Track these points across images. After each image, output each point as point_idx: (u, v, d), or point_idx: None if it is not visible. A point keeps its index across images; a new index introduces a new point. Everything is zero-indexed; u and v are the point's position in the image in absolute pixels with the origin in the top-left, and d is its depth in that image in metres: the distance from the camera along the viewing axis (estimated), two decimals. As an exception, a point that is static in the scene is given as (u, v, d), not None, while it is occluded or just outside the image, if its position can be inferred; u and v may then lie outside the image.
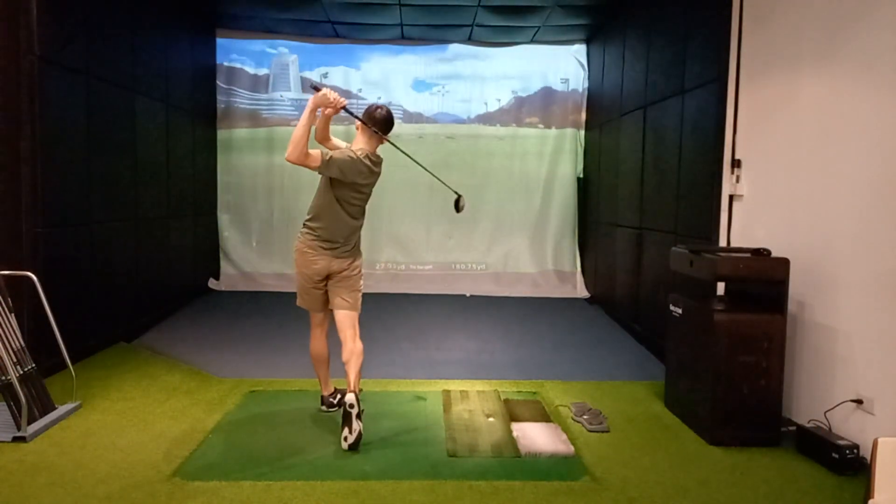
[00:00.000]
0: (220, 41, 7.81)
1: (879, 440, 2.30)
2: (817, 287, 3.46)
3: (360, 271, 3.60)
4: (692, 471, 3.09)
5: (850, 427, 3.19)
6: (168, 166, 6.26)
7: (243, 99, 7.96)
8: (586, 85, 8.00)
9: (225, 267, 7.94)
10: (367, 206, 3.57)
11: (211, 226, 7.75)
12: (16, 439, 3.23)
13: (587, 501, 2.77)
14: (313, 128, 3.29)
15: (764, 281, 3.48)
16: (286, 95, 8.05)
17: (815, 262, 3.46)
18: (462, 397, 4.08)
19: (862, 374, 3.15)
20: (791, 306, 3.53)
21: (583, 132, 8.07)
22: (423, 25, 7.42)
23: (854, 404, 3.16)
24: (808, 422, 3.39)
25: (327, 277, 3.51)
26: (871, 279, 3.09)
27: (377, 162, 3.49)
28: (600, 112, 7.38)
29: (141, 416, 3.65)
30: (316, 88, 3.25)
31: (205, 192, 7.49)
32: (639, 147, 5.76)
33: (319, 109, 3.31)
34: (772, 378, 3.39)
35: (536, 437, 3.45)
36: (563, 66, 8.08)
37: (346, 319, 3.50)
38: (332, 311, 3.58)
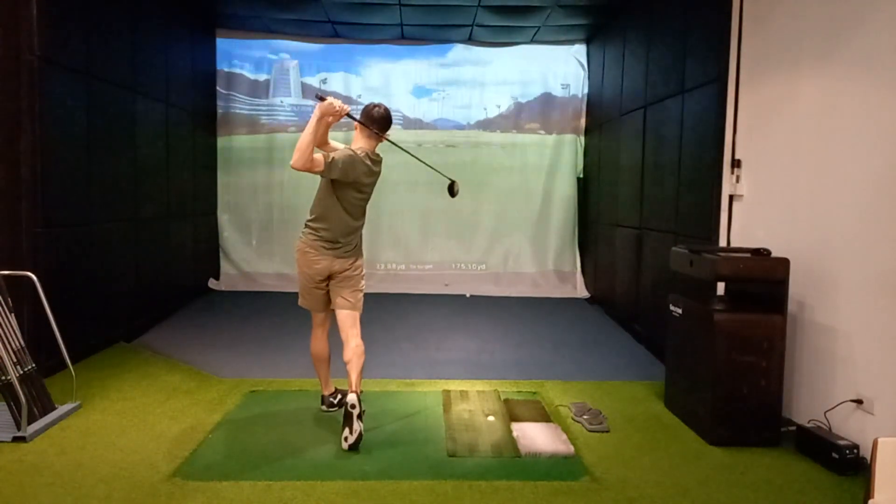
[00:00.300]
0: (220, 46, 7.81)
1: (879, 440, 2.30)
2: (817, 287, 3.46)
3: (361, 271, 3.61)
4: (692, 471, 3.09)
5: (850, 427, 3.19)
6: (168, 166, 6.26)
7: (243, 104, 7.97)
8: (586, 90, 7.99)
9: (225, 267, 7.95)
10: (367, 207, 3.58)
11: (211, 226, 7.75)
12: (16, 439, 3.23)
13: (587, 501, 2.77)
14: None
15: (764, 281, 3.48)
16: (286, 101, 8.05)
17: (815, 262, 3.46)
18: (462, 397, 4.08)
19: (862, 374, 3.15)
20: (791, 306, 3.53)
21: (583, 137, 8.07)
22: (423, 25, 7.42)
23: (854, 404, 3.16)
24: (808, 422, 3.39)
25: (329, 277, 3.52)
26: (871, 279, 3.09)
27: (377, 161, 3.50)
28: (600, 112, 7.38)
29: (141, 416, 3.65)
30: (321, 98, 3.27)
31: (205, 192, 7.49)
32: (639, 147, 5.76)
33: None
34: (772, 378, 3.38)
35: (536, 437, 3.45)
36: (563, 68, 8.07)
37: (348, 319, 3.50)
38: (333, 310, 3.58)
